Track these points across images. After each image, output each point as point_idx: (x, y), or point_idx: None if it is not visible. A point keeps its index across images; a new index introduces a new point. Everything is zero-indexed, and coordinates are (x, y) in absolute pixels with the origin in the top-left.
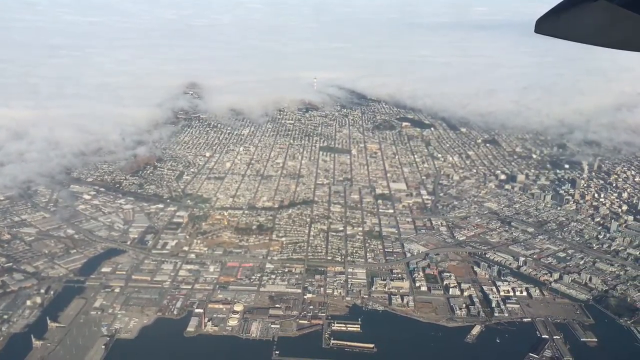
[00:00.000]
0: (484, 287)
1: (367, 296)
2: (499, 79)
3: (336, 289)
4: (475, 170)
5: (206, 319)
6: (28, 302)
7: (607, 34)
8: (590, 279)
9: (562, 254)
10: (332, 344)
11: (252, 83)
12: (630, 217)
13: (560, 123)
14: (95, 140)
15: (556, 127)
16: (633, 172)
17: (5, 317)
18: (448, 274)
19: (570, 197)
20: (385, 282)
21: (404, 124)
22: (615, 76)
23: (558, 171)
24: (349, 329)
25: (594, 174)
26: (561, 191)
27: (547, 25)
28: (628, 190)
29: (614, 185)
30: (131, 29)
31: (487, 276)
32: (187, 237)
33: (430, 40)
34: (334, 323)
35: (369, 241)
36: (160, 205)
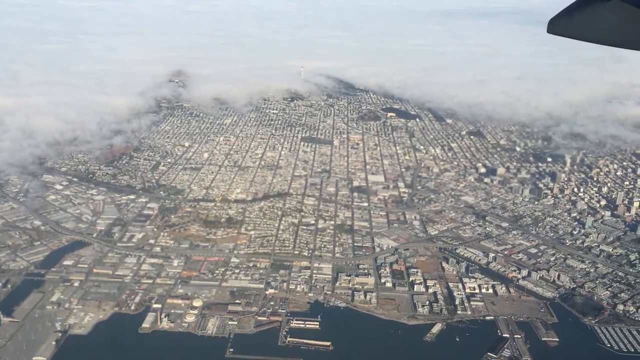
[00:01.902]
0: (450, 283)
1: (330, 292)
2: (493, 69)
3: (299, 284)
4: (456, 163)
5: (163, 315)
6: None
7: (620, 34)
8: (558, 276)
9: (533, 250)
10: (289, 341)
11: (240, 71)
12: (608, 213)
13: (548, 115)
14: (72, 129)
15: (543, 119)
16: (615, 166)
17: None
18: (415, 270)
19: (549, 191)
20: (350, 277)
21: (389, 114)
22: (610, 67)
23: (540, 164)
24: (307, 326)
25: (576, 167)
26: (540, 185)
27: (560, 25)
28: (608, 184)
29: (595, 179)
30: (127, 14)
31: (454, 272)
32: (155, 229)
33: (428, 28)
34: (292, 320)
35: (339, 235)
36: (132, 197)
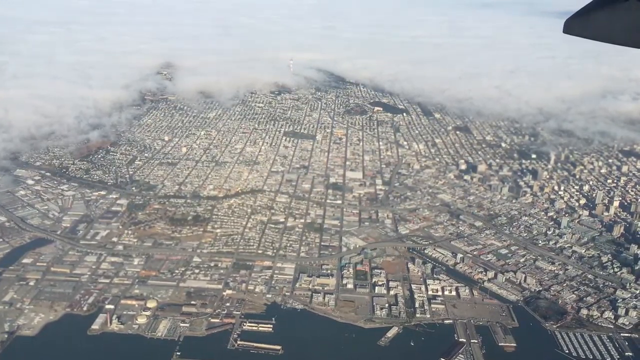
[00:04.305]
0: (413, 285)
1: (289, 293)
2: (487, 62)
3: (258, 285)
4: (438, 159)
5: (114, 317)
6: None
7: (637, 35)
8: (525, 279)
9: (504, 251)
10: (238, 345)
11: (229, 64)
12: (586, 212)
13: (539, 110)
14: (49, 123)
15: (533, 114)
16: (600, 164)
17: None
18: (379, 271)
19: (528, 190)
20: (311, 278)
21: (376, 108)
22: (608, 59)
23: (524, 161)
24: (260, 329)
25: (559, 164)
26: (521, 183)
27: (577, 25)
28: (590, 182)
29: (578, 177)
30: (123, 3)
31: (419, 274)
32: (120, 227)
33: (427, 19)
34: (246, 322)
35: (307, 234)
36: (103, 192)
